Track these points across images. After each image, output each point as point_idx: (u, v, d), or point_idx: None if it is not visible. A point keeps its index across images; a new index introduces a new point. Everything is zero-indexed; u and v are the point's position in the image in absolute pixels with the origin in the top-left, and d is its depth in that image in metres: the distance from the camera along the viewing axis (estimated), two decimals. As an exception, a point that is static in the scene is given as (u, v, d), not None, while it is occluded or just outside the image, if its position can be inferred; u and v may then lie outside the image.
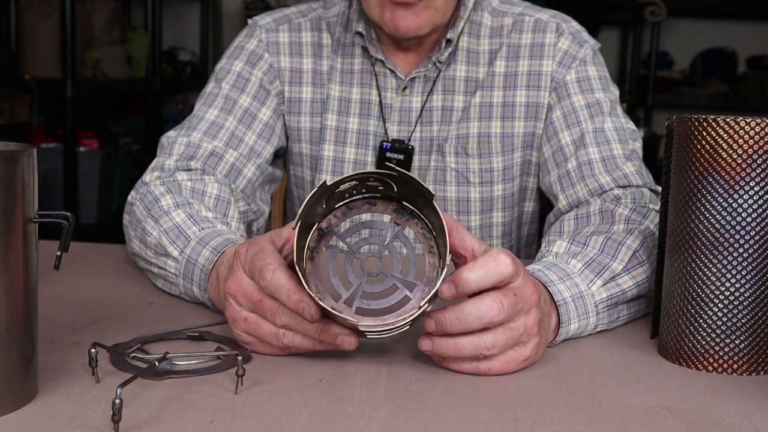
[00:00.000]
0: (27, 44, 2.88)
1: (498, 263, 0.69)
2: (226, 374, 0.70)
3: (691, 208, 0.75)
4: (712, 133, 0.73)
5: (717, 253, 0.74)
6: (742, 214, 0.73)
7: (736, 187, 0.73)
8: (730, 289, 0.74)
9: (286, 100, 1.19)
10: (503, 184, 1.18)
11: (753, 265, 0.73)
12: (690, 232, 0.75)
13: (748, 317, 0.74)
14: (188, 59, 4.22)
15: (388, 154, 1.15)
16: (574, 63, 1.14)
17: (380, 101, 1.17)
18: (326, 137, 1.18)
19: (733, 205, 0.73)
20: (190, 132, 1.10)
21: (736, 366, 0.75)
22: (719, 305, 0.74)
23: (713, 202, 0.74)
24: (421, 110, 1.16)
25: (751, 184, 0.72)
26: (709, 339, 0.75)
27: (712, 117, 0.74)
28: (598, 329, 0.85)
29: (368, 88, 1.17)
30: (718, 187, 0.73)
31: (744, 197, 0.73)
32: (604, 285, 0.84)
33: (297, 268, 0.67)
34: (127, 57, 3.39)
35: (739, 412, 0.67)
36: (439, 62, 1.14)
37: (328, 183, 0.68)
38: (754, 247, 0.73)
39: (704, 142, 0.74)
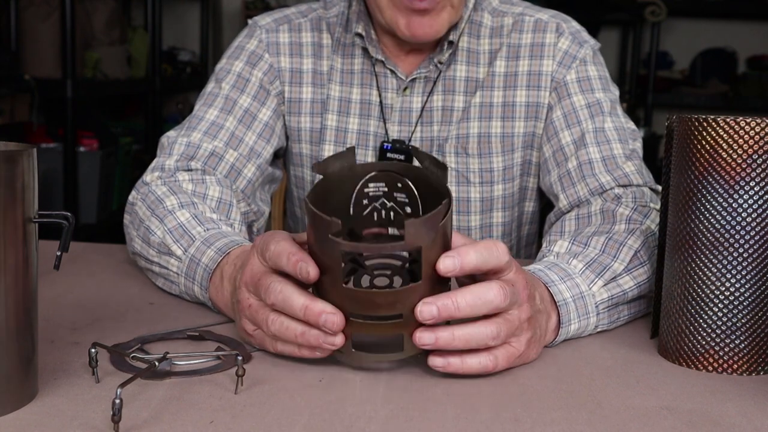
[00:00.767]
0: (27, 44, 2.88)
1: (498, 250, 0.69)
2: (226, 374, 0.70)
3: (691, 208, 0.75)
4: (712, 133, 0.73)
5: (717, 253, 0.74)
6: (742, 214, 0.73)
7: (736, 187, 0.73)
8: (730, 289, 0.74)
9: (286, 100, 1.19)
10: (503, 184, 1.18)
11: (753, 265, 0.73)
12: (690, 232, 0.75)
13: (748, 317, 0.74)
14: (188, 59, 4.22)
15: (388, 155, 1.15)
16: (575, 63, 1.14)
17: (381, 102, 1.16)
18: (326, 137, 1.18)
19: (733, 205, 0.73)
20: (190, 132, 1.10)
21: (736, 366, 0.75)
22: (719, 305, 0.74)
23: (713, 202, 0.74)
24: (422, 110, 1.16)
25: (751, 184, 0.72)
26: (709, 339, 0.75)
27: (712, 117, 0.74)
28: (599, 329, 0.85)
29: (368, 88, 1.17)
30: (718, 187, 0.73)
31: (744, 197, 0.73)
32: (605, 285, 0.84)
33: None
34: (127, 57, 3.39)
35: (739, 412, 0.67)
36: (440, 63, 1.14)
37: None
38: (754, 247, 0.73)
39: (704, 142, 0.74)
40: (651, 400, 0.69)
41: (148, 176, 1.05)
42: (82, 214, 3.08)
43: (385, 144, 1.16)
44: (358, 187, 0.76)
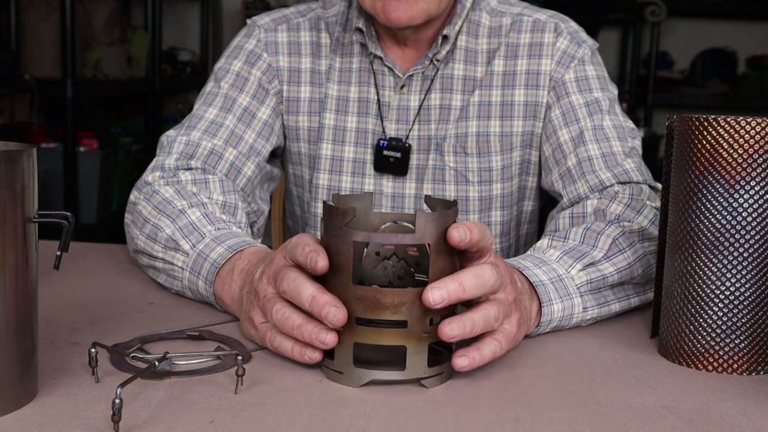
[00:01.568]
0: (27, 44, 2.88)
1: (485, 228, 0.70)
2: (226, 374, 0.70)
3: (692, 208, 0.75)
4: (713, 132, 0.73)
5: (717, 252, 0.74)
6: (743, 214, 0.73)
7: (737, 187, 0.73)
8: (731, 289, 0.74)
9: (284, 99, 1.19)
10: (502, 183, 1.18)
11: (753, 264, 0.73)
12: (690, 231, 0.75)
13: (748, 317, 0.74)
14: (188, 59, 4.22)
15: (384, 152, 1.16)
16: (573, 62, 1.15)
17: (378, 99, 1.17)
18: (324, 136, 1.18)
19: (734, 204, 0.73)
20: (189, 131, 1.10)
21: (736, 366, 0.75)
22: (719, 305, 0.74)
23: (713, 202, 0.74)
24: (419, 108, 1.16)
25: (751, 183, 0.72)
26: (709, 339, 0.75)
27: (712, 117, 0.74)
28: (590, 314, 0.86)
29: (366, 86, 1.17)
30: (718, 186, 0.73)
31: (744, 197, 0.73)
32: (583, 269, 0.86)
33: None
34: (127, 57, 3.39)
35: (739, 412, 0.67)
36: (437, 60, 1.14)
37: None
38: (755, 246, 0.73)
39: (705, 142, 0.74)
40: (651, 399, 0.69)
41: (149, 176, 1.05)
42: (82, 214, 3.08)
43: (381, 141, 1.16)
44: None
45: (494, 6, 1.19)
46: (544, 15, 1.18)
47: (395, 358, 0.70)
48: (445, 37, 1.13)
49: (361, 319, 0.68)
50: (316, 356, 0.70)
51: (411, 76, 1.15)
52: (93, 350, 0.67)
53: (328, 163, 1.18)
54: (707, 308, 0.75)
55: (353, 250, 0.67)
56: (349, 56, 1.18)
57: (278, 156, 1.24)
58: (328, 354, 0.71)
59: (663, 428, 0.63)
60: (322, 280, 0.70)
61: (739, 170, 0.73)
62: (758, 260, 0.73)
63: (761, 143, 0.72)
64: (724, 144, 0.73)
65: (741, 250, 0.73)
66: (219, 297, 0.86)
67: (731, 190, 0.73)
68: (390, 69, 1.16)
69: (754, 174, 0.72)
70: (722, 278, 0.74)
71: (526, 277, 0.82)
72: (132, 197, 1.04)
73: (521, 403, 0.67)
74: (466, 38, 1.16)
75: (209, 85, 1.17)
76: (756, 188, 0.72)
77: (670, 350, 0.78)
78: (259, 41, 1.19)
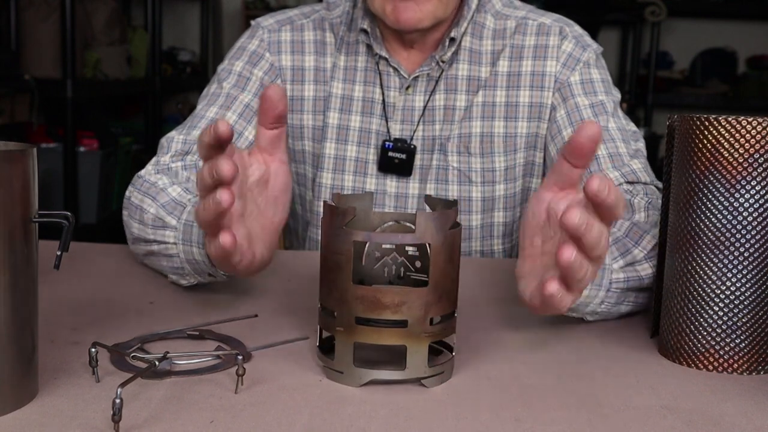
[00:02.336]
0: (27, 44, 2.88)
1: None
2: (226, 374, 0.70)
3: (692, 207, 0.75)
4: (714, 132, 0.73)
5: (718, 252, 0.74)
6: (743, 213, 0.73)
7: (737, 187, 0.73)
8: (731, 288, 0.74)
9: (288, 98, 1.19)
10: (505, 184, 1.18)
11: (754, 264, 0.73)
12: (691, 231, 0.75)
13: (748, 316, 0.74)
14: (188, 59, 4.23)
15: (390, 154, 1.16)
16: (578, 65, 1.15)
17: (383, 100, 1.17)
18: (328, 135, 1.18)
19: (734, 204, 0.73)
20: (190, 131, 1.11)
21: (736, 365, 0.75)
22: (720, 304, 0.74)
23: (714, 202, 0.74)
24: (424, 109, 1.16)
25: (752, 183, 0.72)
26: (709, 338, 0.75)
27: (713, 116, 0.74)
28: (602, 309, 0.85)
29: (371, 86, 1.17)
30: (719, 186, 0.73)
31: (745, 196, 0.73)
32: (623, 267, 0.85)
33: None
34: (127, 57, 3.39)
35: (739, 412, 0.67)
36: (442, 61, 1.15)
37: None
38: (755, 246, 0.73)
39: (705, 142, 0.74)
40: (651, 399, 0.69)
41: (142, 171, 1.05)
42: (82, 214, 3.08)
43: (387, 143, 1.16)
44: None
45: (499, 9, 1.19)
46: (548, 19, 1.19)
47: (395, 357, 0.70)
48: (452, 39, 1.13)
49: (361, 318, 0.68)
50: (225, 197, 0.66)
51: (416, 77, 1.16)
52: (93, 350, 0.67)
53: (331, 163, 1.19)
54: (707, 308, 0.75)
55: (353, 250, 0.67)
56: (354, 55, 1.18)
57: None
58: (329, 354, 0.71)
59: (663, 428, 0.63)
60: (323, 278, 0.70)
61: (739, 170, 0.73)
62: (759, 260, 0.73)
63: (762, 143, 0.72)
64: (725, 144, 0.73)
65: (741, 249, 0.73)
66: (212, 258, 0.84)
67: (732, 190, 0.73)
68: (395, 70, 1.16)
69: (754, 174, 0.72)
70: (722, 278, 0.74)
71: None
72: (126, 192, 1.04)
73: (521, 403, 0.67)
74: (470, 39, 1.16)
75: (212, 87, 1.18)
76: (756, 188, 0.72)
77: (670, 350, 0.78)
78: (261, 41, 1.19)
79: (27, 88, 2.70)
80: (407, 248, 0.79)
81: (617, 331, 0.86)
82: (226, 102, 1.13)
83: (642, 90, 4.17)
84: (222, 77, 1.17)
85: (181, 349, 0.75)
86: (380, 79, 1.17)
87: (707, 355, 0.75)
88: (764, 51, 4.20)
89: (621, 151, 1.08)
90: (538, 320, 0.88)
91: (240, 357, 0.65)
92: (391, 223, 0.78)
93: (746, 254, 0.73)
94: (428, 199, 0.76)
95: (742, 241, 0.73)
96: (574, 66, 1.15)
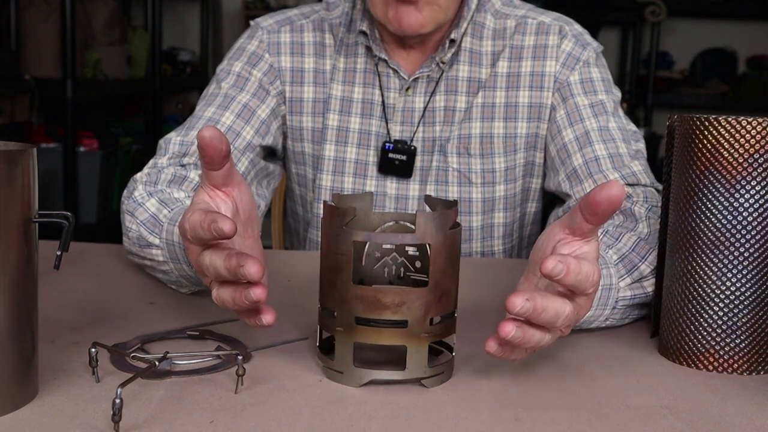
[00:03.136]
0: (27, 44, 2.88)
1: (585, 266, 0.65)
2: (226, 374, 0.70)
3: (692, 207, 0.75)
4: (714, 132, 0.73)
5: (718, 252, 0.74)
6: (743, 214, 0.73)
7: (737, 187, 0.73)
8: (731, 288, 0.74)
9: (287, 100, 1.19)
10: (505, 184, 1.18)
11: (754, 264, 0.73)
12: (691, 231, 0.75)
13: (748, 317, 0.74)
14: (188, 59, 4.22)
15: (390, 155, 1.16)
16: (578, 65, 1.15)
17: (383, 101, 1.17)
18: (327, 137, 1.18)
19: (734, 204, 0.73)
20: (188, 131, 1.10)
21: (736, 365, 0.75)
22: (720, 304, 0.74)
23: (714, 202, 0.74)
24: (424, 110, 1.16)
25: (752, 183, 0.72)
26: (709, 338, 0.75)
27: (713, 116, 0.74)
28: (606, 323, 0.85)
29: (371, 88, 1.17)
30: (719, 186, 0.73)
31: (745, 196, 0.73)
32: (630, 285, 0.85)
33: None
34: (127, 57, 3.39)
35: (739, 412, 0.67)
36: (442, 63, 1.14)
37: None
38: (755, 246, 0.73)
39: (705, 142, 0.74)
40: (651, 399, 0.69)
41: (137, 174, 1.05)
42: (82, 214, 3.08)
43: (387, 144, 1.16)
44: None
45: (498, 8, 1.19)
46: (548, 17, 1.18)
47: (395, 357, 0.70)
48: (452, 41, 1.13)
49: (361, 318, 0.68)
50: (258, 293, 0.65)
51: (416, 78, 1.15)
52: (93, 350, 0.67)
53: (331, 164, 1.19)
54: (707, 308, 0.75)
55: (353, 250, 0.67)
56: (354, 56, 1.18)
57: (278, 156, 1.24)
58: (329, 354, 0.71)
59: (663, 428, 0.63)
60: (323, 278, 0.70)
61: (739, 170, 0.73)
62: (759, 260, 0.73)
63: (762, 143, 0.72)
64: (725, 144, 0.73)
65: (741, 249, 0.73)
66: None
67: (732, 190, 0.73)
68: (395, 71, 1.16)
69: (754, 174, 0.72)
70: (723, 278, 0.74)
71: None
72: (122, 197, 1.04)
73: (521, 403, 0.67)
74: (470, 40, 1.16)
75: (211, 87, 1.18)
76: (756, 188, 0.72)
77: (670, 350, 0.78)
78: (261, 42, 1.19)
79: (27, 88, 2.70)
80: (407, 248, 0.79)
81: (617, 331, 0.86)
82: (224, 102, 1.13)
83: (642, 90, 4.17)
84: (221, 77, 1.17)
85: (181, 349, 0.75)
86: (380, 81, 1.17)
87: (707, 355, 0.75)
88: (764, 51, 4.19)
89: (622, 152, 1.08)
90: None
91: (240, 357, 0.65)
92: (391, 223, 0.78)
93: (746, 254, 0.73)
94: (428, 199, 0.76)
95: (742, 241, 0.73)
96: (574, 65, 1.15)
